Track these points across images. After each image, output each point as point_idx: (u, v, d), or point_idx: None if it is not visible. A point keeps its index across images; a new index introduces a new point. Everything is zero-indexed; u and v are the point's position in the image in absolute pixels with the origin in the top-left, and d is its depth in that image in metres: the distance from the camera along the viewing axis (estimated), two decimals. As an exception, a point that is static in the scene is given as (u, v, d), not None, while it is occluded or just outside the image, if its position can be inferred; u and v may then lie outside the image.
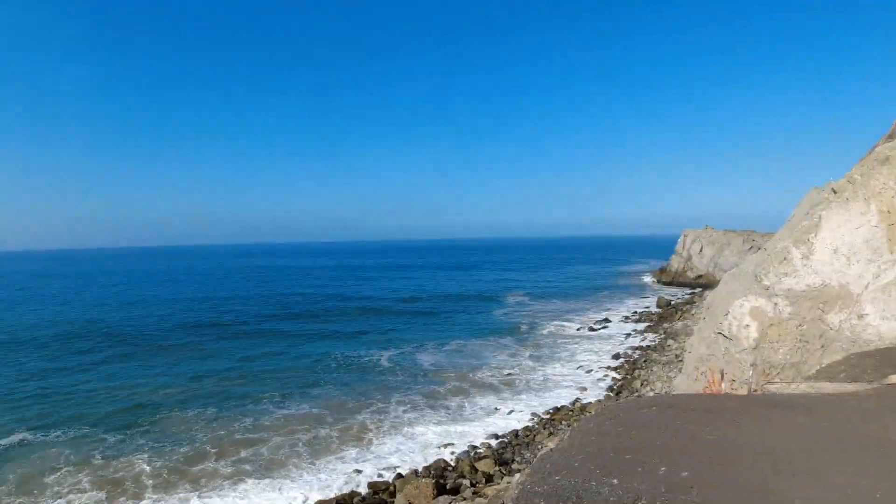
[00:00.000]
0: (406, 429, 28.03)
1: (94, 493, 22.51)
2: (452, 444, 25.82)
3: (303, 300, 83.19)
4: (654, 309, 64.42)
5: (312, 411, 31.48)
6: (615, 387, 33.70)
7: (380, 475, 22.92)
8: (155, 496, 22.11)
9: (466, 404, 31.75)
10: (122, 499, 21.94)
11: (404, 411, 30.79)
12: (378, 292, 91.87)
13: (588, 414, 27.15)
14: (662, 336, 47.59)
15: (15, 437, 28.93)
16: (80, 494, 22.40)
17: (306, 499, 21.28)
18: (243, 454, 25.66)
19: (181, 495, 22.08)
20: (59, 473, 24.39)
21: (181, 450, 26.57)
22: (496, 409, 30.76)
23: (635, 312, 62.62)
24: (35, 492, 22.86)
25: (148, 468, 24.62)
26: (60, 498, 22.25)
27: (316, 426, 28.90)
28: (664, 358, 38.65)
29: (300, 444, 26.53)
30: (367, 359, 43.37)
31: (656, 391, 30.16)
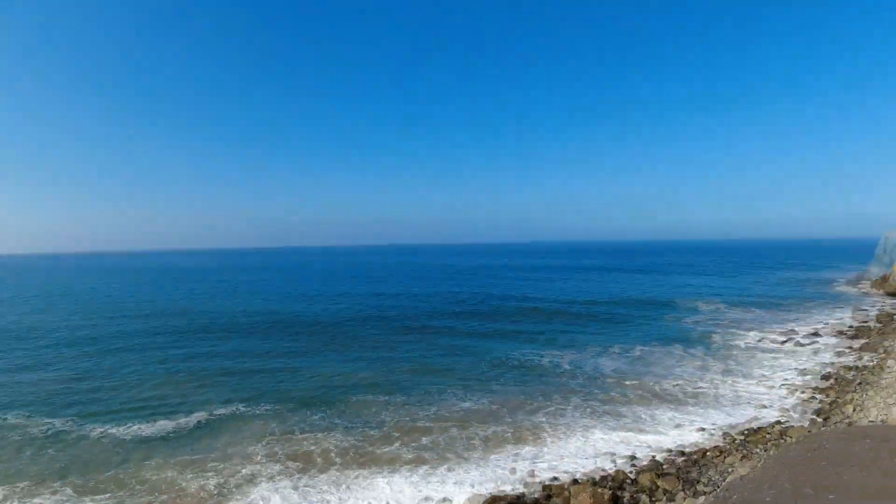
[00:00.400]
0: (583, 434, 27.34)
1: (289, 463, 24.79)
2: (634, 455, 24.66)
3: (485, 299, 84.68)
4: (873, 324, 56.94)
5: (491, 407, 31.98)
6: (822, 411, 30.13)
7: (554, 478, 22.55)
8: (339, 472, 23.78)
9: (649, 415, 30.18)
10: (312, 471, 23.91)
11: (582, 416, 30.13)
12: (561, 294, 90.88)
13: (788, 440, 24.64)
14: (882, 356, 41.80)
15: (230, 408, 32.81)
16: (275, 464, 24.73)
17: (488, 493, 21.56)
18: (423, 441, 26.77)
19: (362, 473, 23.54)
20: (262, 443, 27.23)
21: (369, 432, 28.39)
22: (682, 423, 28.86)
23: (850, 327, 55.63)
24: (237, 458, 25.62)
25: (338, 446, 26.57)
26: (257, 465, 24.74)
27: (493, 422, 29.33)
28: (883, 381, 33.80)
29: (477, 437, 27.06)
30: (547, 360, 43.10)
31: (871, 419, 26.51)
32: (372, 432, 28.35)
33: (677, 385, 35.72)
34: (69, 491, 22.83)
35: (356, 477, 23.16)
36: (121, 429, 30.06)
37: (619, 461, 24.13)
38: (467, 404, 32.55)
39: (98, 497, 22.34)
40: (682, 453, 24.78)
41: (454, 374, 39.37)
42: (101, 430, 30.05)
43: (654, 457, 24.47)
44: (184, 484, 23.14)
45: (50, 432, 29.94)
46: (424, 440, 26.89)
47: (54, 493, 22.79)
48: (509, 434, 27.47)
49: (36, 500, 22.20)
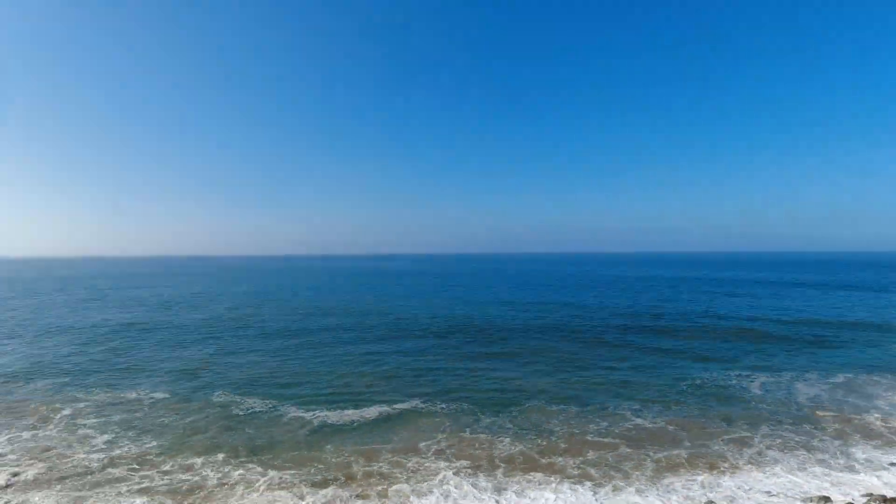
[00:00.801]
0: (769, 467, 25.07)
1: (455, 462, 25.68)
2: (827, 497, 22.21)
3: (664, 314, 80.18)
4: None
5: (668, 428, 30.53)
6: None
7: (730, 511, 21.19)
8: (503, 476, 24.17)
9: (847, 452, 26.92)
10: (477, 472, 24.50)
11: (769, 447, 27.62)
12: (749, 310, 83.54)
13: None
14: None
15: (410, 404, 34.88)
16: (442, 461, 25.77)
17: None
18: (590, 456, 26.26)
19: (523, 481, 23.64)
20: (432, 440, 28.53)
21: (537, 440, 28.45)
22: (886, 464, 25.57)
23: None
24: (408, 451, 27.14)
25: (504, 450, 27.02)
26: (425, 460, 25.98)
27: (668, 443, 28.01)
28: None
29: (648, 458, 25.98)
30: (734, 382, 40.16)
31: None
32: (540, 441, 28.38)
33: (884, 420, 31.65)
34: (256, 466, 25.67)
35: (517, 483, 23.35)
36: (309, 414, 33.19)
37: (810, 503, 22.03)
38: (642, 422, 31.37)
39: (280, 472, 24.89)
40: (885, 499, 22.03)
41: (631, 390, 38.05)
42: (293, 413, 33.41)
43: (850, 501, 22.07)
44: (355, 469, 25.09)
45: (249, 411, 34.00)
46: (591, 455, 26.36)
47: (244, 465, 25.79)
48: (684, 458, 26.05)
49: (227, 469, 25.32)
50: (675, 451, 26.88)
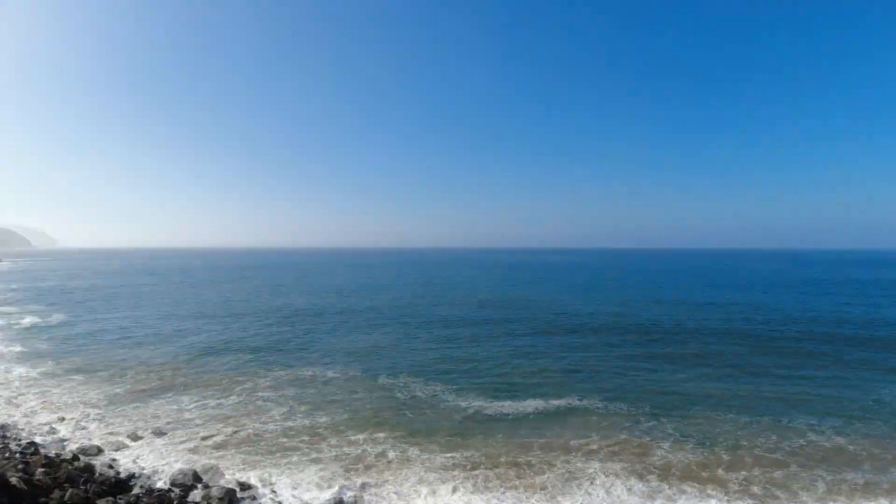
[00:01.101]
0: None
1: (604, 463, 25.30)
2: None
3: (855, 321, 70.72)
4: None
5: (847, 448, 27.68)
6: None
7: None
8: (656, 483, 23.44)
9: None
10: (629, 476, 23.92)
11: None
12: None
13: None
14: None
15: (565, 401, 35.01)
16: (593, 461, 25.55)
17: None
18: (755, 472, 24.67)
19: (678, 491, 22.73)
20: (585, 439, 28.43)
21: (699, 450, 27.16)
22: None
23: None
24: (558, 448, 27.22)
25: (660, 457, 26.16)
26: (575, 458, 25.92)
27: (845, 465, 25.49)
28: None
29: (820, 479, 23.83)
30: (930, 401, 35.54)
31: None
32: (701, 450, 27.09)
33: None
34: (412, 447, 27.28)
35: (671, 493, 22.54)
36: (466, 402, 34.60)
37: None
38: (817, 439, 28.71)
39: (433, 455, 26.36)
40: None
41: (808, 403, 35.00)
42: (451, 400, 35.08)
43: None
44: (502, 459, 25.80)
45: (410, 396, 36.17)
46: (757, 471, 24.64)
47: (401, 444, 27.65)
48: (861, 483, 23.54)
49: (386, 447, 27.23)
50: (852, 475, 24.37)
